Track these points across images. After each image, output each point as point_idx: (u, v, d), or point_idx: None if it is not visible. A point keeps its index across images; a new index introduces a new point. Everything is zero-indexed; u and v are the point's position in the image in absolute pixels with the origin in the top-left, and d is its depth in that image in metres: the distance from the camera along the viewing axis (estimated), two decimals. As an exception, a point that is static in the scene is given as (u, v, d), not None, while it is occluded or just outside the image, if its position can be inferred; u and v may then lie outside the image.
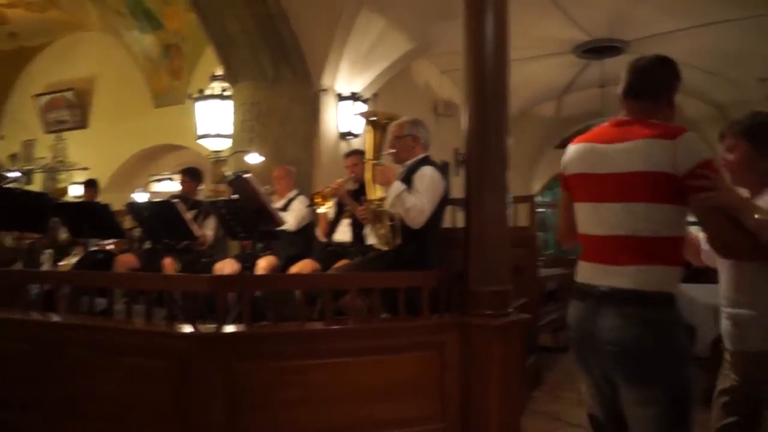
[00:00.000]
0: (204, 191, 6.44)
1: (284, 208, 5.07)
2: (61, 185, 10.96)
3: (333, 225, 4.78)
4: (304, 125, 6.56)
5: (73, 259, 5.55)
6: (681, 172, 1.84)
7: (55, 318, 3.31)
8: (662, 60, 2.08)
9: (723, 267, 2.16)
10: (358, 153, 4.69)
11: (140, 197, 9.40)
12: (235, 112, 6.70)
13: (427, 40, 7.47)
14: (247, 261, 4.87)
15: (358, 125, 6.81)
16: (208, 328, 2.84)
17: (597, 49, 8.59)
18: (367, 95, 7.26)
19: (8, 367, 3.21)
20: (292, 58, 6.43)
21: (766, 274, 2.00)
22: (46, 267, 5.74)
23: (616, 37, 8.27)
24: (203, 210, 5.35)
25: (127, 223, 5.70)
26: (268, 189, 5.04)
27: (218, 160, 7.07)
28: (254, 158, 6.03)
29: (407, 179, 3.58)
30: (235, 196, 4.71)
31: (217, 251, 5.45)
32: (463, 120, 3.11)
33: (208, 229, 5.26)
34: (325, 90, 6.67)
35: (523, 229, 4.84)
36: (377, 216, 3.64)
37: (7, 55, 11.39)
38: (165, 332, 2.93)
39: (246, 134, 6.55)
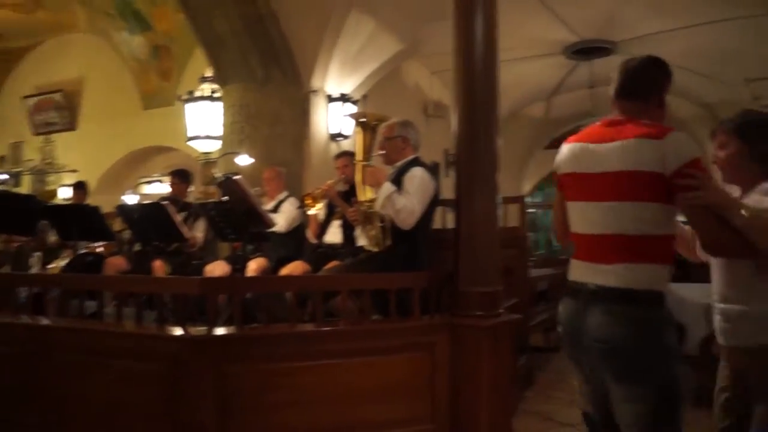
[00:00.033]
0: (194, 193, 6.41)
1: (274, 210, 5.07)
2: (50, 188, 10.87)
3: (323, 226, 4.78)
4: (294, 127, 6.56)
5: (62, 262, 5.51)
6: (669, 171, 1.86)
7: (45, 321, 3.29)
8: (653, 60, 2.10)
9: (715, 263, 2.18)
10: (348, 154, 4.69)
11: (130, 199, 9.35)
12: (224, 114, 6.68)
13: (417, 41, 7.48)
14: (238, 263, 4.86)
15: (348, 126, 6.82)
16: (199, 330, 2.83)
17: (586, 50, 8.63)
18: (356, 96, 7.26)
19: (-3, 371, 3.19)
20: (281, 60, 6.43)
21: (757, 270, 2.02)
22: (35, 270, 5.70)
23: (604, 38, 8.31)
24: (193, 212, 5.34)
25: (117, 225, 5.66)
26: (258, 191, 5.04)
27: (208, 161, 7.05)
28: (244, 160, 6.02)
29: (397, 180, 3.58)
30: (225, 198, 4.71)
31: (208, 253, 5.43)
32: (453, 121, 3.11)
33: (198, 231, 5.24)
34: (314, 91, 6.67)
35: (514, 229, 4.86)
36: (368, 217, 3.64)
37: (-6, 57, 11.34)
38: (155, 335, 2.92)
39: (236, 136, 6.53)
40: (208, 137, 6.74)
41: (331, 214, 4.74)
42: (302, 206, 4.79)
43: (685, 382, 1.96)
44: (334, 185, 4.52)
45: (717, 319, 2.18)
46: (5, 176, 10.73)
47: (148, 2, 9.12)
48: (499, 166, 3.09)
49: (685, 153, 1.86)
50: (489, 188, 3.05)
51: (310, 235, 4.88)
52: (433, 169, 3.96)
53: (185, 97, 6.83)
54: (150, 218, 4.97)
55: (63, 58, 11.03)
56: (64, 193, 10.18)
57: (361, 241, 4.01)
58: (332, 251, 4.55)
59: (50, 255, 5.91)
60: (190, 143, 6.93)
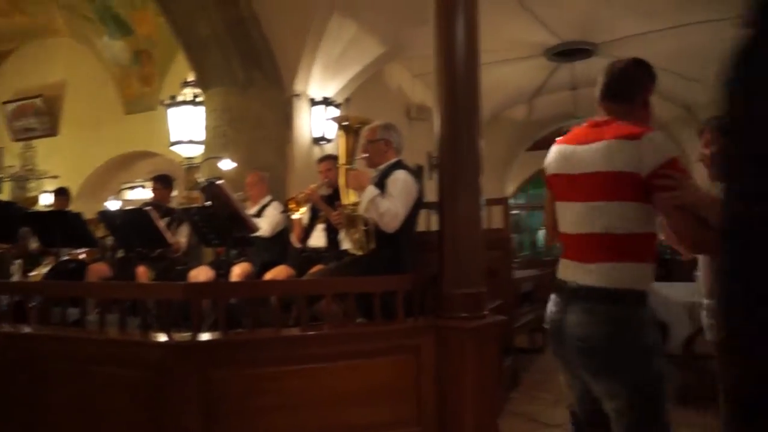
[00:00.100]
0: (177, 198, 6.39)
1: (258, 215, 5.06)
2: (31, 194, 10.77)
3: (307, 230, 4.77)
4: (277, 130, 6.53)
5: (44, 269, 5.47)
6: (646, 171, 1.88)
7: (26, 329, 3.25)
8: (637, 62, 2.14)
9: (702, 260, 2.20)
10: (332, 158, 4.69)
11: (112, 205, 9.29)
12: (207, 118, 6.65)
13: (399, 43, 7.48)
14: (222, 268, 4.84)
15: (331, 130, 6.82)
16: (183, 336, 2.82)
17: (567, 52, 8.66)
18: (339, 100, 7.26)
19: (-22, 380, 3.15)
20: (263, 63, 6.41)
21: None
22: (16, 278, 5.65)
23: (585, 40, 8.36)
24: (176, 217, 5.31)
25: (100, 231, 5.64)
26: (241, 195, 5.03)
27: (191, 166, 7.03)
28: (227, 164, 5.99)
29: (380, 183, 3.58)
30: (209, 203, 4.69)
31: (192, 258, 5.41)
32: (436, 123, 3.13)
33: (181, 237, 5.22)
34: (297, 95, 6.65)
35: (498, 231, 4.89)
36: (351, 221, 3.64)
37: (-29, 61, 11.21)
38: (139, 341, 2.90)
39: (218, 140, 6.49)
40: (190, 142, 6.74)
41: (314, 218, 4.74)
42: (286, 210, 4.78)
43: (668, 380, 1.98)
44: (318, 189, 4.52)
45: (704, 314, 2.20)
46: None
47: (128, 6, 9.05)
48: (482, 168, 3.10)
49: (662, 153, 1.89)
50: (472, 190, 3.06)
51: (294, 239, 4.87)
52: (416, 172, 3.97)
53: (167, 101, 6.81)
54: (133, 224, 4.94)
55: (43, 62, 10.91)
56: (46, 200, 10.09)
57: (345, 244, 4.00)
58: (316, 255, 4.55)
59: (32, 262, 5.85)
60: (173, 148, 6.91)
